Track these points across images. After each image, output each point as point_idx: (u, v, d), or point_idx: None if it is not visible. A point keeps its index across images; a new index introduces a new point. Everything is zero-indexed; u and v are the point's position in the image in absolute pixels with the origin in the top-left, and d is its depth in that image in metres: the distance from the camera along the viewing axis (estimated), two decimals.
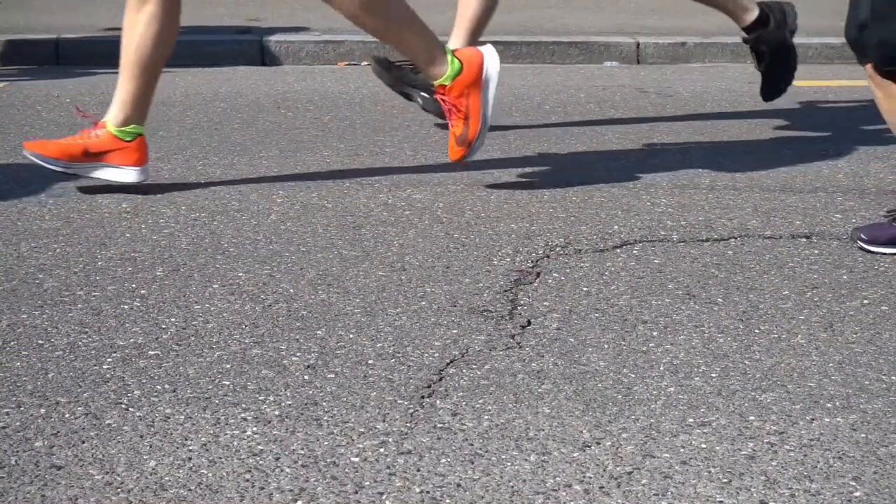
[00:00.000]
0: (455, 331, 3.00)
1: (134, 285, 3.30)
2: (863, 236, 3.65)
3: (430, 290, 3.28)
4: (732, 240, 3.76)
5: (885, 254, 3.58)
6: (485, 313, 3.12)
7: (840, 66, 7.40)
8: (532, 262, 3.53)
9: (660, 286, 3.33)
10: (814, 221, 3.97)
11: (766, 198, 4.27)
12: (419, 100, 5.20)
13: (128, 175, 4.19)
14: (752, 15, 5.07)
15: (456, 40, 5.18)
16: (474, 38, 5.24)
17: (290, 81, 6.71)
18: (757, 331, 3.02)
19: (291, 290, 3.27)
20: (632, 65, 7.50)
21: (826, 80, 6.96)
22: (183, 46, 7.30)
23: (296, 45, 7.51)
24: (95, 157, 4.16)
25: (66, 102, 5.67)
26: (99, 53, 7.00)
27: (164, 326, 3.01)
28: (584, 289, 3.31)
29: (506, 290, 3.29)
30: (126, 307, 3.14)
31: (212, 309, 3.13)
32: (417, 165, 4.72)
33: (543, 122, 5.64)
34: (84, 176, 4.18)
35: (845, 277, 3.43)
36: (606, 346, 2.91)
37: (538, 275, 3.42)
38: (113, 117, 4.19)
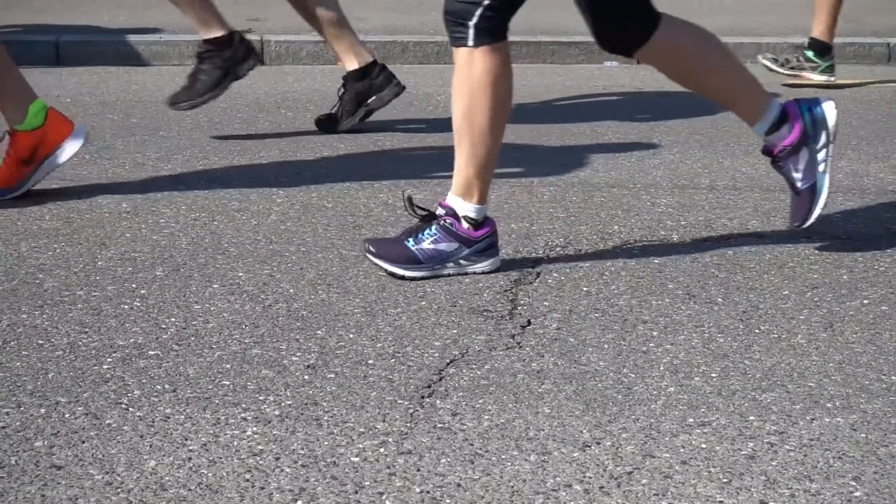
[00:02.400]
0: (455, 331, 3.00)
1: (134, 285, 3.30)
2: (371, 248, 3.40)
3: (430, 290, 3.28)
4: (732, 240, 3.76)
5: (406, 277, 3.36)
6: (485, 313, 3.12)
7: (840, 65, 7.39)
8: (532, 262, 3.53)
9: (660, 286, 3.33)
10: (814, 221, 3.96)
11: (766, 198, 4.27)
12: (376, 101, 5.23)
13: (69, 148, 4.12)
14: (217, 32, 4.93)
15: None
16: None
17: (290, 81, 6.71)
18: (757, 331, 3.02)
19: (291, 290, 3.27)
20: (632, 65, 7.50)
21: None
22: (183, 46, 7.31)
23: (296, 45, 7.51)
24: (33, 159, 4.10)
25: (66, 102, 5.67)
26: (99, 53, 7.00)
27: (164, 326, 3.01)
28: (584, 289, 3.31)
29: (506, 290, 3.29)
30: (126, 307, 3.14)
31: (212, 309, 3.13)
32: (417, 165, 4.72)
33: (543, 122, 5.64)
34: (40, 180, 4.12)
35: (845, 277, 3.43)
36: (606, 346, 2.91)
37: (538, 275, 3.42)
38: (9, 119, 4.11)
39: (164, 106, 5.17)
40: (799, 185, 3.60)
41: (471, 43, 3.26)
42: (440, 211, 3.41)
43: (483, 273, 3.40)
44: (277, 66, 7.32)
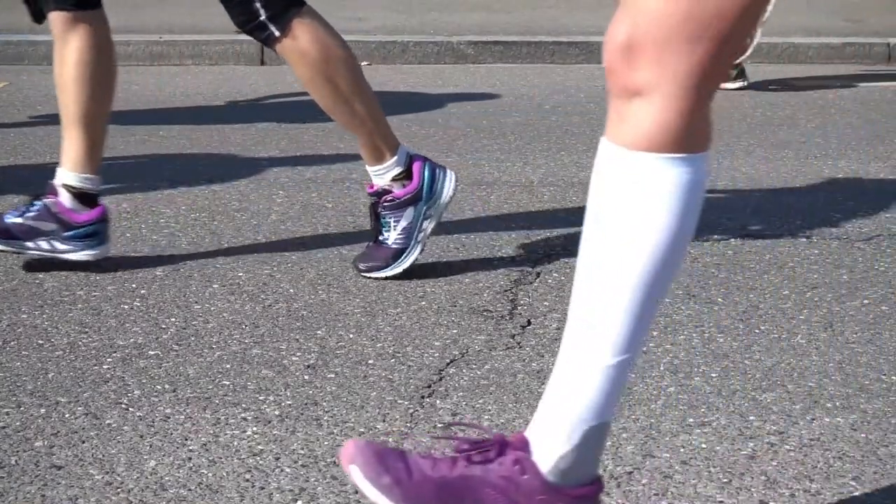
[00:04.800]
0: (455, 331, 3.00)
1: (134, 285, 3.30)
2: (361, 267, 3.38)
3: (430, 290, 3.28)
4: (732, 240, 3.76)
5: (388, 277, 3.35)
6: (485, 313, 3.12)
7: (840, 65, 7.40)
8: (532, 262, 3.53)
9: None
10: (814, 221, 3.97)
11: (766, 198, 4.27)
12: None
13: None
14: None
15: None
16: None
17: (290, 81, 6.71)
18: (757, 331, 3.02)
19: (291, 290, 3.27)
20: None
21: (826, 80, 6.96)
22: (183, 46, 7.32)
23: None
24: None
25: None
26: None
27: (164, 326, 3.01)
28: None
29: (506, 290, 3.29)
30: (126, 307, 3.14)
31: (212, 309, 3.13)
32: None
33: (543, 121, 5.64)
34: None
35: (845, 277, 3.43)
36: None
37: (538, 275, 3.42)
38: None
39: (164, 106, 5.17)
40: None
41: (277, 33, 3.24)
42: (378, 199, 3.36)
43: (446, 199, 3.37)
44: (277, 66, 7.32)
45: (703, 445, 2.40)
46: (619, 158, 1.79)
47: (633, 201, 1.77)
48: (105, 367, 2.76)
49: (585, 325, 1.86)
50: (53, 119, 5.41)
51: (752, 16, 1.72)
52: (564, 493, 1.88)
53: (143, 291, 3.26)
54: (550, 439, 1.87)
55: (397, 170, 3.36)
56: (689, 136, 1.75)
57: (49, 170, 4.55)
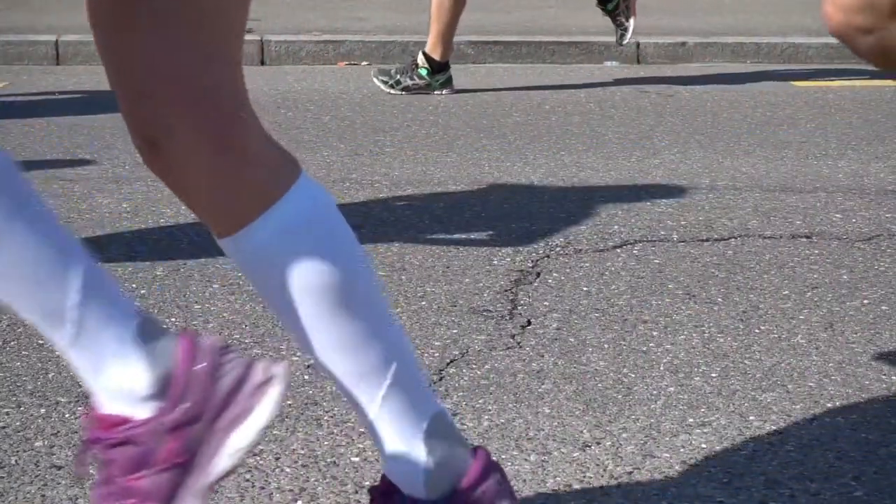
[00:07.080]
0: (455, 331, 3.00)
1: (134, 285, 3.30)
2: None
3: (430, 290, 3.28)
4: (732, 240, 3.76)
5: None
6: (485, 313, 3.12)
7: (840, 65, 7.40)
8: (532, 262, 3.53)
9: (660, 286, 3.33)
10: (814, 221, 3.97)
11: (766, 198, 4.27)
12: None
13: None
14: None
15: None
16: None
17: (290, 81, 6.71)
18: (757, 331, 3.02)
19: None
20: (632, 65, 7.50)
21: (826, 80, 6.96)
22: None
23: (296, 45, 7.51)
24: None
25: (66, 102, 5.66)
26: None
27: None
28: (584, 289, 3.31)
29: (506, 290, 3.29)
30: None
31: (212, 309, 3.13)
32: (417, 165, 4.72)
33: (543, 121, 5.64)
34: None
35: (845, 277, 3.43)
36: (606, 346, 2.91)
37: (538, 275, 3.42)
38: None
39: None
40: None
41: None
42: None
43: None
44: (277, 66, 7.32)
45: (703, 445, 2.40)
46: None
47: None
48: None
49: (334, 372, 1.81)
50: (54, 118, 5.41)
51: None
52: (457, 495, 1.80)
53: (143, 291, 3.26)
54: (402, 466, 1.78)
55: None
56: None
57: (50, 167, 4.56)
